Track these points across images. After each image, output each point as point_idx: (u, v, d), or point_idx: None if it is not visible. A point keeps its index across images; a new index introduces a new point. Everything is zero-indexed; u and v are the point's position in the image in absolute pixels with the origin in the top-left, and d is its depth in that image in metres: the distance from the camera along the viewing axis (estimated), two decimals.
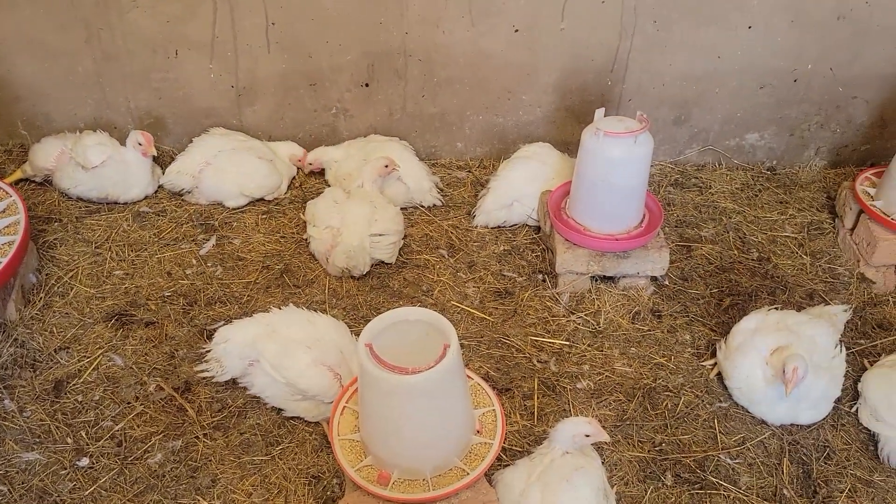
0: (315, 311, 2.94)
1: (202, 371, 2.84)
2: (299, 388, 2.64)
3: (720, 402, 2.92)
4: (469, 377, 2.53)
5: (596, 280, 3.36)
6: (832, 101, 3.92)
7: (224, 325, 3.02)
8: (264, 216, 3.68)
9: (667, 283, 3.40)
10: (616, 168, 3.05)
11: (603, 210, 3.18)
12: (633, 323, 3.23)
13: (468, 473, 2.26)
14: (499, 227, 3.68)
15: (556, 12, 3.61)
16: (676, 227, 3.72)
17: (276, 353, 2.67)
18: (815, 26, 3.65)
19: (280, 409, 2.77)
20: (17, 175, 3.67)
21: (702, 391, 2.96)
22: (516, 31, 3.67)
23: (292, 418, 2.77)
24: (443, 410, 2.21)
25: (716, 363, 3.00)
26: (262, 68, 3.76)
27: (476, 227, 3.67)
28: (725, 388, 2.93)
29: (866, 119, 3.99)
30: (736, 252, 3.58)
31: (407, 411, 2.16)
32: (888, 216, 3.32)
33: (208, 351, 2.86)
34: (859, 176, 3.58)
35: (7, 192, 3.11)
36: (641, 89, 3.87)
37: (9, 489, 2.54)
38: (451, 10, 3.60)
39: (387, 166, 3.53)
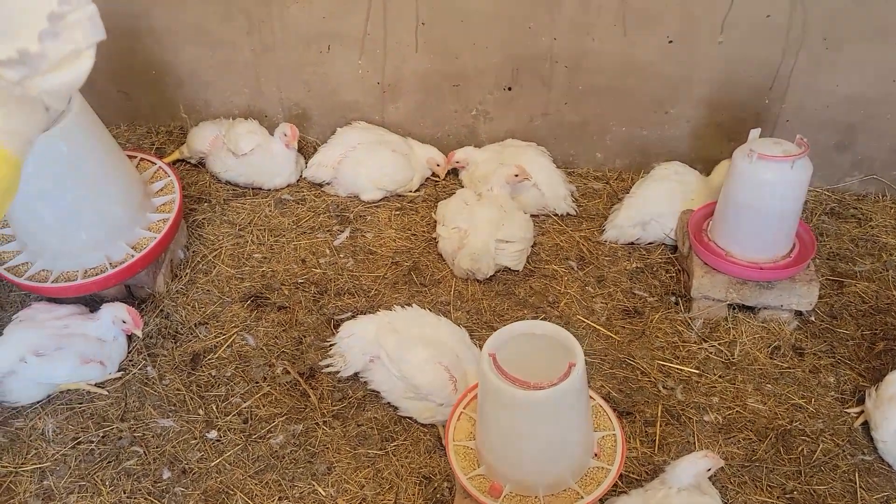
0: (438, 313, 2.96)
1: (327, 366, 2.91)
2: (414, 384, 2.66)
3: (863, 454, 2.69)
4: (591, 398, 2.45)
5: (733, 308, 3.18)
6: None
7: (350, 317, 3.09)
8: (397, 212, 3.73)
9: (813, 319, 3.17)
10: (768, 193, 2.87)
11: (749, 236, 3.00)
12: (771, 358, 3.04)
13: (582, 497, 2.19)
14: (631, 243, 3.56)
15: (714, 24, 3.45)
16: (828, 259, 3.47)
17: (395, 346, 2.71)
18: None
19: (397, 407, 2.80)
20: (175, 156, 3.91)
21: (843, 440, 2.74)
22: (670, 41, 3.53)
23: (408, 417, 2.79)
24: (561, 429, 2.15)
25: (862, 411, 2.77)
26: (408, 67, 3.81)
27: (606, 241, 3.58)
28: (871, 439, 2.70)
29: None
30: (895, 293, 3.30)
31: (525, 426, 2.12)
32: None
33: (332, 345, 2.93)
34: None
35: (166, 173, 3.30)
36: (802, 110, 3.63)
37: (144, 451, 2.70)
38: (604, 18, 3.51)
39: (517, 175, 3.50)
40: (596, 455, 2.31)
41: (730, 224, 3.04)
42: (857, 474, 2.63)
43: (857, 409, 2.81)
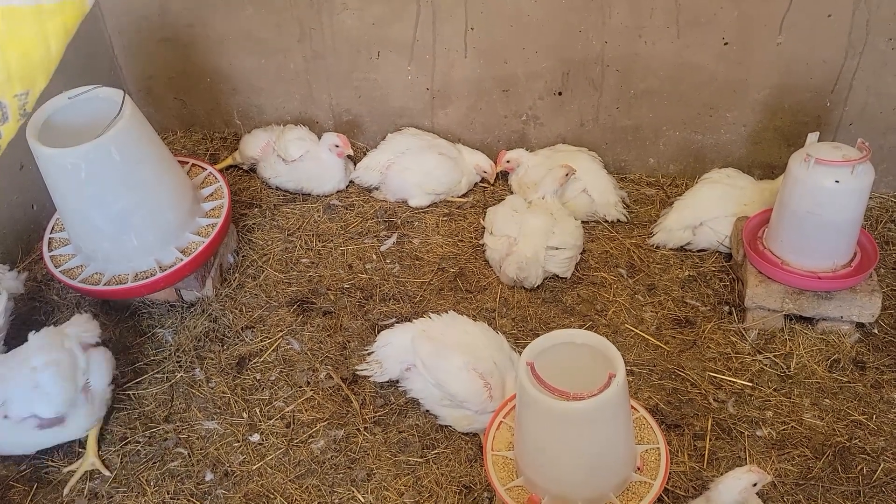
0: (483, 320, 2.92)
1: (362, 370, 2.91)
2: (449, 392, 2.63)
3: None
4: (635, 409, 2.38)
5: (790, 319, 3.06)
6: None
7: (395, 322, 3.08)
8: (445, 218, 3.71)
9: (876, 331, 3.02)
10: (827, 200, 2.74)
11: (807, 244, 2.88)
12: (829, 372, 2.90)
13: None
14: (681, 248, 3.46)
15: (772, 25, 3.33)
16: (895, 268, 3.30)
17: (429, 353, 2.69)
18: None
19: (437, 416, 2.78)
20: (228, 162, 3.98)
21: None
22: (726, 43, 3.42)
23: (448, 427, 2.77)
24: (601, 441, 2.09)
25: None
26: (457, 72, 3.80)
27: (656, 245, 3.48)
28: None
29: None
30: None
31: (563, 437, 2.07)
32: None
33: (370, 353, 2.93)
34: None
35: (216, 178, 3.36)
36: (866, 113, 3.47)
37: (188, 453, 2.74)
38: (657, 20, 3.43)
39: (567, 174, 3.44)
40: (639, 469, 2.24)
41: (786, 232, 2.93)
42: None
43: None
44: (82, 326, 2.75)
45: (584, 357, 2.18)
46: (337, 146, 3.69)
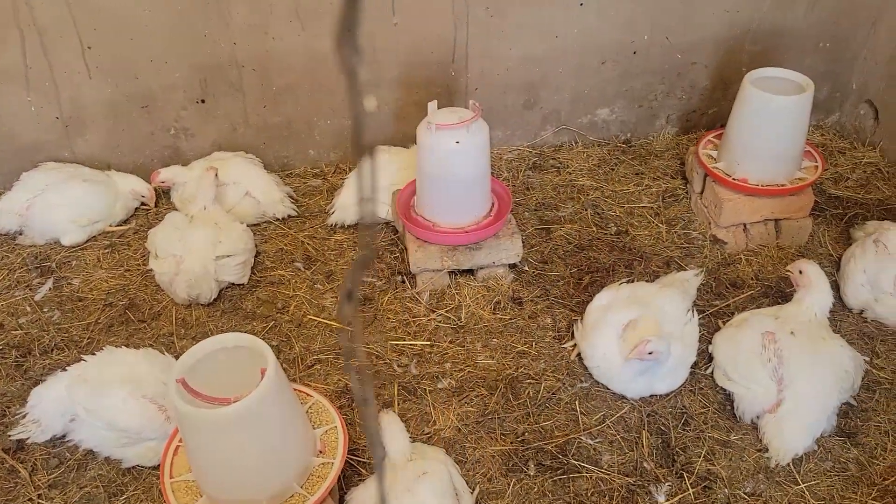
0: (153, 347, 2.79)
1: (19, 433, 2.64)
2: (120, 428, 2.48)
3: (581, 382, 2.90)
4: (309, 396, 2.42)
5: (455, 275, 3.30)
6: (673, 69, 3.97)
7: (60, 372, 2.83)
8: (107, 251, 3.48)
9: (526, 268, 3.37)
10: (452, 160, 2.99)
11: (447, 203, 3.12)
12: (494, 314, 3.18)
13: (309, 497, 2.15)
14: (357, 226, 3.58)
15: (385, 7, 3.53)
16: (536, 210, 3.70)
17: (87, 396, 2.50)
18: None
19: (120, 459, 2.60)
20: None
21: (563, 374, 2.93)
22: (349, 29, 3.56)
23: (136, 466, 2.61)
24: (270, 437, 2.10)
25: (575, 344, 2.98)
26: (86, 95, 3.55)
27: (335, 224, 3.57)
28: (586, 367, 2.91)
29: (708, 83, 4.06)
30: (595, 229, 3.58)
31: (229, 444, 2.04)
32: (729, 176, 3.37)
33: (25, 415, 2.66)
34: (702, 140, 3.63)
35: None
36: (485, 77, 3.83)
37: None
38: (278, 15, 3.48)
39: (215, 175, 3.39)
40: (321, 452, 2.28)
41: (429, 196, 3.14)
42: (577, 402, 2.82)
43: (571, 343, 3.02)
44: None
45: (242, 359, 2.17)
46: None
